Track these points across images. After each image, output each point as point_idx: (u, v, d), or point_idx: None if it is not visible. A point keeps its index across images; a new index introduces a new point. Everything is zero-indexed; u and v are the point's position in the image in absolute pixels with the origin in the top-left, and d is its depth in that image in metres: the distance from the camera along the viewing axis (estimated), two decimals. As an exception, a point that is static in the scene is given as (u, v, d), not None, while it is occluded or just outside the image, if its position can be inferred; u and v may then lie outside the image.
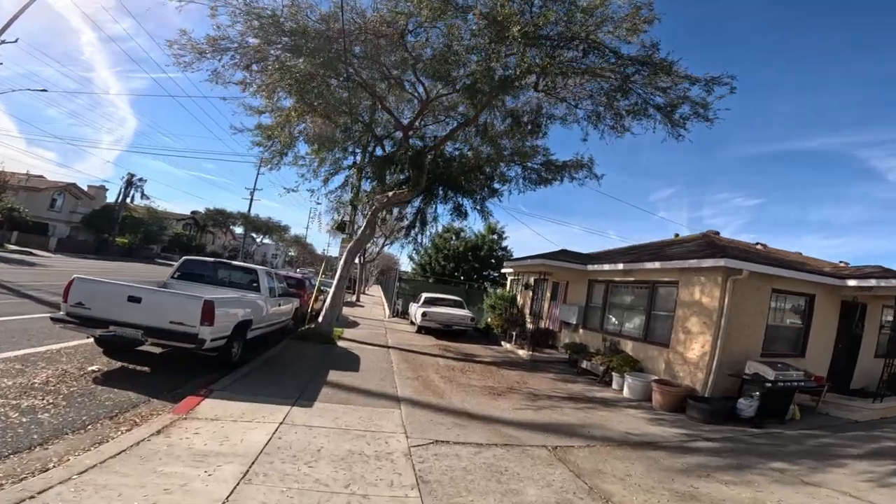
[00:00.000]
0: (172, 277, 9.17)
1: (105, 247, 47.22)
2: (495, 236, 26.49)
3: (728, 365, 8.80)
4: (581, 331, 13.42)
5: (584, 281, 13.63)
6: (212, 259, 10.12)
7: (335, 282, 12.34)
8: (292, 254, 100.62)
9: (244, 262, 59.01)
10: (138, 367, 7.04)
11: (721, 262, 8.72)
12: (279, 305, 10.26)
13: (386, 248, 42.44)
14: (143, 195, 56.08)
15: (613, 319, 12.33)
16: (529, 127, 11.24)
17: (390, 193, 12.83)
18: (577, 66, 8.99)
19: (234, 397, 5.95)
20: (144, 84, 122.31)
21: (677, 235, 18.24)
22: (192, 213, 73.46)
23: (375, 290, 58.66)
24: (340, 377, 8.02)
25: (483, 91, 10.03)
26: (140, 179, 54.70)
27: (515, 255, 27.87)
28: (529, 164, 14.05)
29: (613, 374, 10.40)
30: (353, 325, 15.96)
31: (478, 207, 13.92)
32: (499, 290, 20.13)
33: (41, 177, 48.03)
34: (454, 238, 26.75)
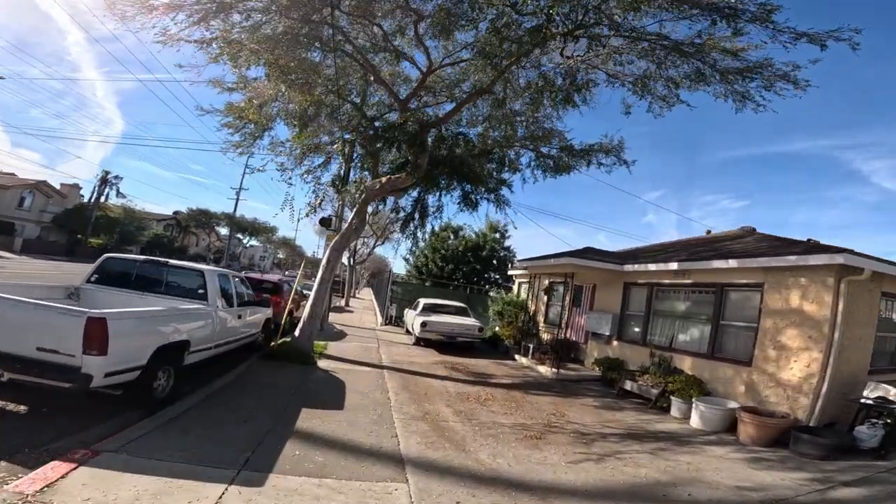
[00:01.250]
0: (88, 281, 6.72)
1: (77, 248, 44.19)
2: (497, 235, 24.16)
3: (839, 387, 6.61)
4: (615, 343, 11.12)
5: (618, 284, 11.34)
6: (141, 257, 7.63)
7: (316, 285, 9.93)
8: (281, 256, 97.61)
9: (229, 264, 56.20)
10: (8, 406, 4.64)
11: (838, 259, 6.47)
12: (240, 317, 7.83)
13: (377, 250, 39.95)
14: (118, 193, 53.02)
15: (661, 330, 10.06)
16: (561, 95, 8.91)
17: (384, 179, 10.48)
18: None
19: (133, 464, 3.61)
20: (132, 86, 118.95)
21: (709, 232, 16.19)
22: (175, 213, 70.45)
23: (366, 294, 56.14)
24: (316, 421, 5.60)
25: (506, 48, 7.82)
26: (116, 177, 51.74)
27: (520, 257, 25.59)
28: (545, 149, 11.75)
29: (673, 398, 8.17)
30: (340, 336, 13.50)
31: (491, 196, 11.58)
32: (507, 295, 17.81)
33: (12, 174, 44.94)
34: (452, 237, 24.40)
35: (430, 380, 9.00)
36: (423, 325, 12.61)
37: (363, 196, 10.53)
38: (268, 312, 9.77)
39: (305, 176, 10.88)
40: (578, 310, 13.04)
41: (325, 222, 14.52)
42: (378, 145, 10.38)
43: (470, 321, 13.59)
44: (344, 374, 8.42)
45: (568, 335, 13.13)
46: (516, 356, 13.23)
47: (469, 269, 23.21)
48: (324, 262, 10.08)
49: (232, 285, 7.71)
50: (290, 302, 12.30)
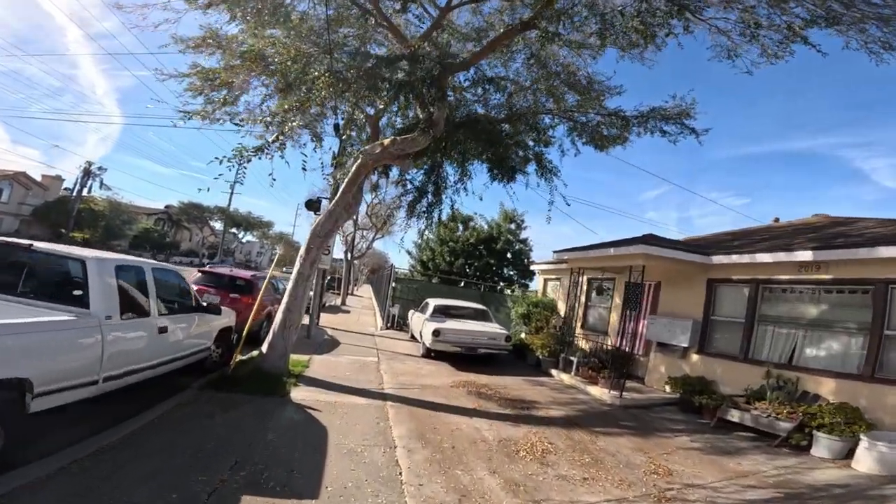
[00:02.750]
0: None
1: (59, 242, 41.27)
2: (513, 226, 21.28)
3: None
4: (695, 357, 8.40)
5: (698, 281, 8.63)
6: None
7: (291, 283, 7.14)
8: (279, 252, 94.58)
9: (222, 260, 53.20)
10: None
11: None
12: (167, 331, 5.06)
13: (377, 244, 37.06)
14: (102, 185, 50.13)
15: (774, 342, 7.33)
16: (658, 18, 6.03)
17: (386, 141, 7.71)
18: None
19: None
20: (130, 82, 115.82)
21: (777, 220, 13.55)
22: (166, 207, 67.71)
23: (365, 291, 53.33)
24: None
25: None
26: (100, 168, 48.87)
27: (536, 252, 22.71)
28: (592, 114, 8.94)
29: (818, 433, 5.52)
30: (330, 345, 10.73)
31: (533, 161, 8.80)
32: (530, 294, 15.03)
33: (-12, 166, 42.23)
34: (461, 228, 21.56)
35: (455, 417, 6.22)
36: (436, 333, 9.81)
37: (358, 162, 7.74)
38: (226, 319, 7.00)
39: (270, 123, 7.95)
40: (633, 313, 10.26)
41: (311, 205, 11.74)
42: (382, 90, 7.54)
43: (494, 328, 10.80)
44: (329, 414, 5.64)
45: (619, 345, 10.36)
46: (553, 371, 10.46)
47: (482, 263, 20.32)
48: (302, 251, 7.27)
49: (150, 283, 4.92)
50: (269, 304, 9.54)
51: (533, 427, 6.18)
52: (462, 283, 19.04)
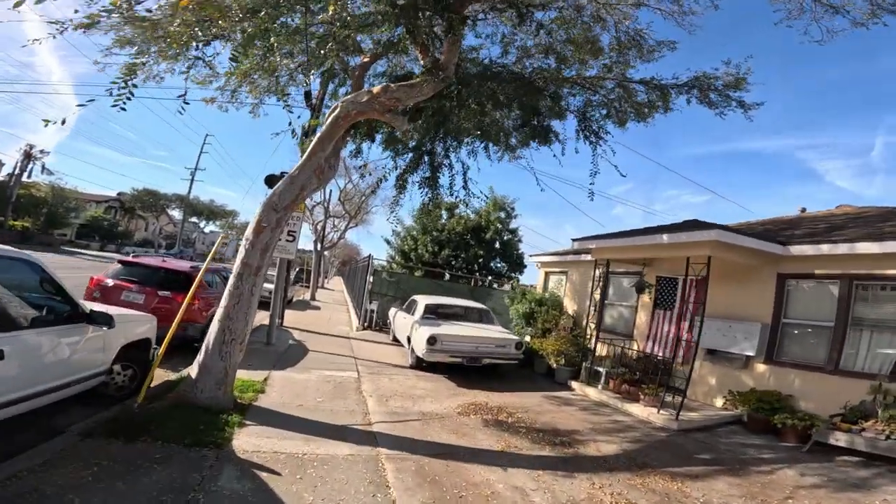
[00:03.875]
0: None
1: (-9, 231, 37.07)
2: (503, 214, 19.37)
3: None
4: (762, 367, 6.76)
5: (766, 276, 6.96)
6: None
7: (232, 279, 4.91)
8: (221, 237, 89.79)
9: (181, 251, 49.63)
10: None
11: None
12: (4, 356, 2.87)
13: (348, 235, 34.53)
14: (44, 169, 45.62)
15: (873, 349, 5.66)
16: None
17: (376, 89, 5.62)
18: None
19: None
20: (88, 69, 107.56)
21: (804, 210, 12.25)
22: (118, 194, 62.96)
23: (337, 283, 50.67)
24: None
25: None
26: (41, 151, 44.37)
27: (521, 243, 20.85)
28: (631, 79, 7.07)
29: None
30: (296, 355, 8.55)
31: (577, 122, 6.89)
32: (531, 289, 13.21)
33: None
34: (445, 216, 19.48)
35: (482, 469, 4.24)
36: (431, 341, 7.77)
37: (336, 113, 5.59)
38: (140, 328, 4.81)
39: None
40: (668, 314, 8.57)
41: (273, 181, 9.49)
42: (374, 20, 5.39)
43: (501, 333, 8.84)
44: (293, 479, 3.57)
45: (648, 349, 8.67)
46: (572, 383, 8.66)
47: (471, 254, 18.30)
48: (249, 231, 5.05)
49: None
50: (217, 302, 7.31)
51: (592, 476, 4.32)
52: (447, 277, 17.04)
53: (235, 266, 4.87)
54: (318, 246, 24.31)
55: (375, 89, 5.69)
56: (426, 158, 7.61)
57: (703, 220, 7.25)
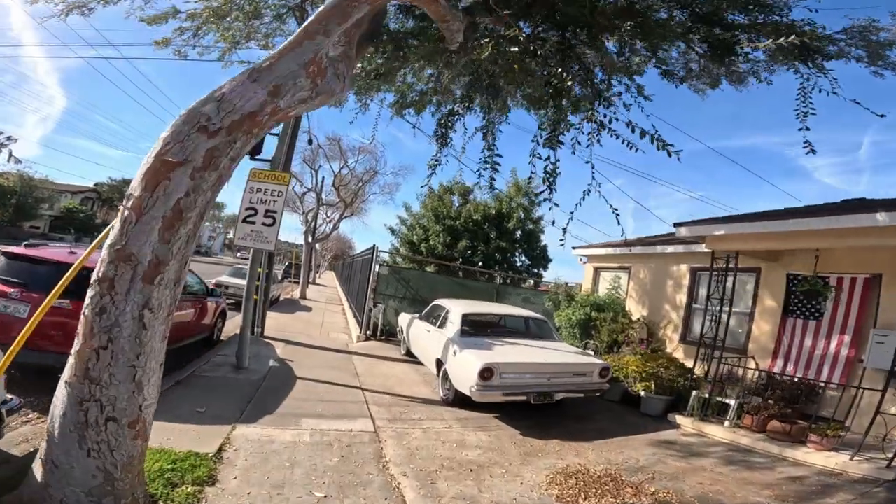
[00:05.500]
0: None
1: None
2: (525, 201, 16.55)
3: None
4: None
5: None
6: None
7: (94, 282, 2.15)
8: (232, 236, 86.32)
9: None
10: None
11: None
12: None
13: (341, 227, 31.55)
14: (10, 157, 41.89)
15: None
16: None
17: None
18: None
19: None
20: (75, 63, 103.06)
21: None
22: (95, 185, 59.43)
23: (329, 278, 47.72)
24: None
25: None
26: (8, 138, 40.76)
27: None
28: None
29: None
30: (277, 389, 5.81)
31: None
32: (579, 291, 10.63)
33: None
34: (458, 201, 16.68)
35: None
36: (487, 374, 5.03)
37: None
38: None
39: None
40: (808, 323, 6.03)
41: (254, 150, 6.81)
42: None
43: (579, 356, 6.11)
44: None
45: (775, 369, 6.14)
46: (677, 418, 6.11)
47: (493, 247, 15.52)
48: (136, 182, 2.29)
49: None
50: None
51: None
52: (461, 273, 14.34)
53: (100, 261, 2.16)
54: (310, 238, 21.50)
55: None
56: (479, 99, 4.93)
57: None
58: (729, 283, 6.55)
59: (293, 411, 4.98)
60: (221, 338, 8.24)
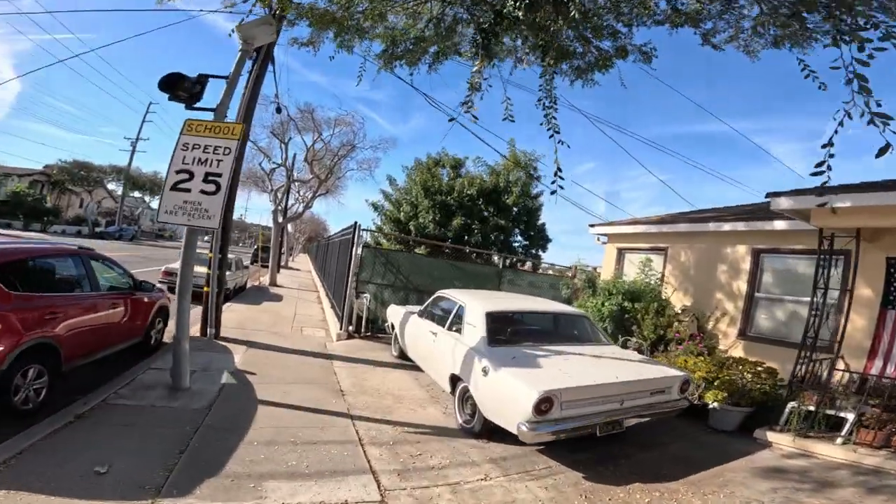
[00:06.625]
0: None
1: None
2: (522, 175, 14.72)
3: None
4: None
5: None
6: None
7: None
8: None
9: (121, 229, 43.20)
10: None
11: None
12: None
13: (315, 207, 29.18)
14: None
15: None
16: None
17: None
18: None
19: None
20: (29, 46, 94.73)
21: None
22: (45, 167, 54.81)
23: (303, 262, 45.31)
24: None
25: None
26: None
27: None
28: None
29: None
30: (228, 429, 4.01)
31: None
32: (604, 276, 9.17)
33: None
34: (449, 174, 14.77)
35: None
36: (545, 406, 3.41)
37: None
38: None
39: None
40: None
41: (171, 83, 4.91)
42: None
43: (654, 368, 4.43)
44: None
45: (873, 371, 4.79)
46: (768, 434, 4.73)
47: (492, 225, 13.69)
48: None
49: None
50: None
51: None
52: (447, 252, 12.56)
53: None
54: (280, 218, 19.38)
55: None
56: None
57: None
58: (796, 268, 5.13)
59: (251, 469, 3.27)
60: (164, 340, 6.39)
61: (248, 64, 7.77)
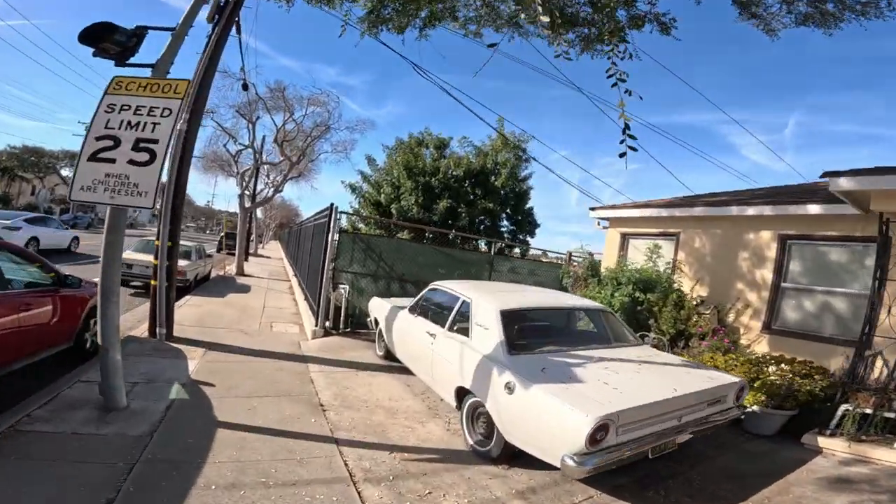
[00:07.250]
0: None
1: None
2: (511, 157, 13.88)
3: None
4: None
5: None
6: None
7: None
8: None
9: (75, 216, 40.38)
10: None
11: None
12: None
13: (285, 191, 27.67)
14: None
15: None
16: None
17: None
18: None
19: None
20: None
21: None
22: (-8, 154, 50.80)
23: (274, 248, 43.51)
24: None
25: None
26: None
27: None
28: None
29: None
30: (175, 451, 3.12)
31: None
32: (609, 262, 8.51)
33: None
34: (433, 154, 13.79)
35: None
36: (599, 435, 2.66)
37: None
38: None
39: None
40: None
41: (95, 34, 3.84)
42: None
43: (703, 373, 3.77)
44: None
45: None
46: (819, 440, 4.15)
47: (480, 209, 12.83)
48: None
49: None
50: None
51: None
52: (430, 237, 11.65)
53: None
54: (248, 202, 18.04)
55: None
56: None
57: None
58: (826, 256, 4.52)
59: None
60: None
61: (209, 28, 6.64)
